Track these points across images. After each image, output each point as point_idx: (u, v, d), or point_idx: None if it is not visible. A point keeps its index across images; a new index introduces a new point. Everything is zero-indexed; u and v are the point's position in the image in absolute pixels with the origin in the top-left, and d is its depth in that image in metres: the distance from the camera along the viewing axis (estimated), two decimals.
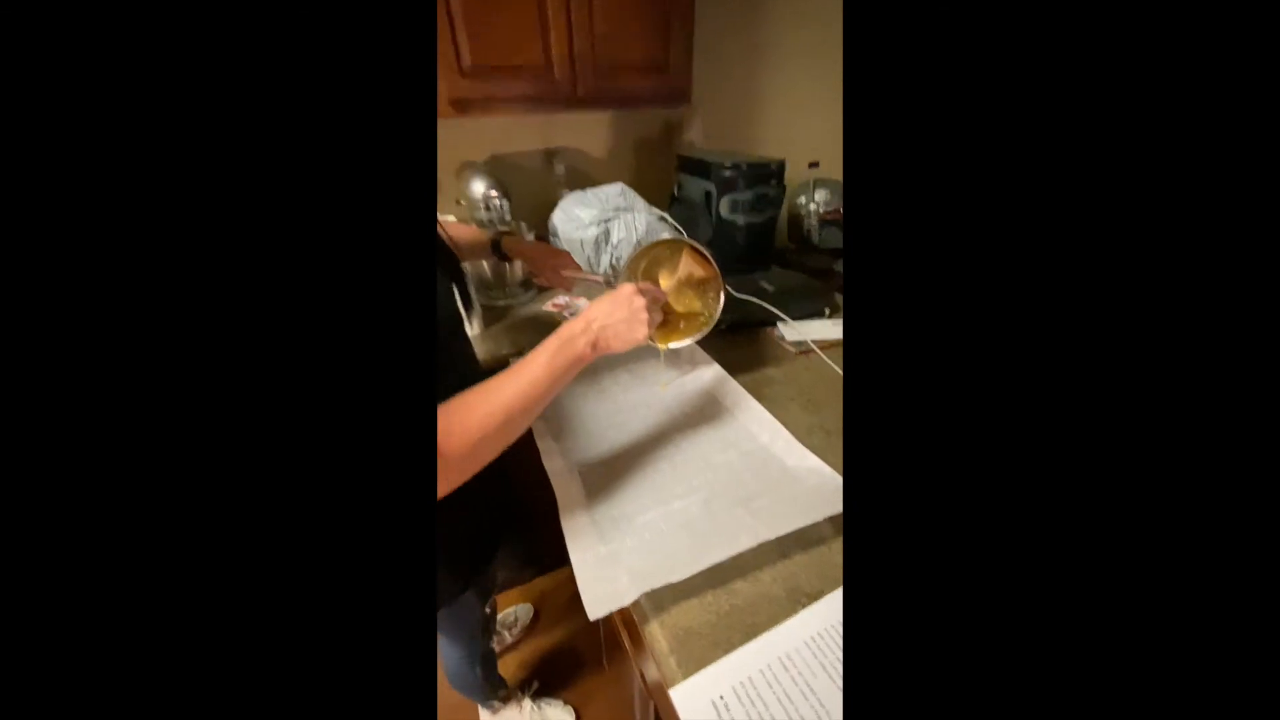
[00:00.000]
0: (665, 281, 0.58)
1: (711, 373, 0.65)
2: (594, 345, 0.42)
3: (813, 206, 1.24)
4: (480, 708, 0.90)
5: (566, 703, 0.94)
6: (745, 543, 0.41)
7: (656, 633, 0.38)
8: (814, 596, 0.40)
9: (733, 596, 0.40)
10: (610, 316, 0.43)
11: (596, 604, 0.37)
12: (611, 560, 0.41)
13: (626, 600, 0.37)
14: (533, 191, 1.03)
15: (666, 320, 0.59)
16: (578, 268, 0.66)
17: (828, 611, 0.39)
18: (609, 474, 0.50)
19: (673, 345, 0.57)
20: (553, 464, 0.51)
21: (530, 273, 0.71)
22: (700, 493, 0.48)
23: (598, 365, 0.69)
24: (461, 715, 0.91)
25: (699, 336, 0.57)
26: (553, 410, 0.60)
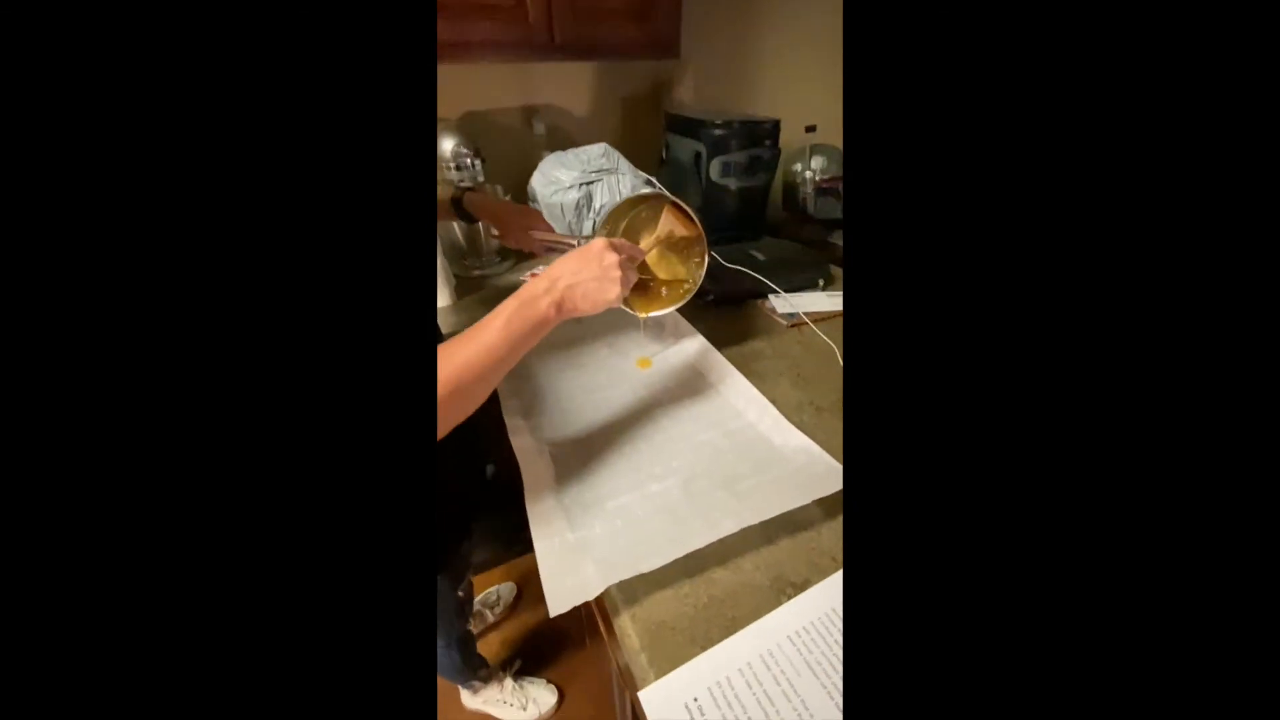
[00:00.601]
0: (645, 242, 0.53)
1: (696, 345, 0.61)
2: (559, 307, 0.38)
3: (809, 174, 1.18)
4: (460, 688, 0.88)
5: (550, 681, 0.93)
6: (727, 527, 0.37)
7: (627, 627, 0.35)
8: (800, 587, 0.37)
9: (712, 586, 0.37)
10: (578, 274, 0.38)
11: (559, 598, 0.33)
12: (579, 549, 0.37)
13: (590, 593, 0.34)
14: (510, 153, 0.96)
15: (647, 287, 0.54)
16: (549, 228, 0.61)
17: (815, 603, 0.35)
18: (582, 454, 0.46)
19: (653, 314, 0.53)
20: (520, 443, 0.46)
21: (496, 234, 0.65)
22: (680, 474, 0.44)
23: (573, 337, 0.64)
24: (441, 697, 0.89)
25: (681, 303, 0.53)
26: (523, 385, 0.55)
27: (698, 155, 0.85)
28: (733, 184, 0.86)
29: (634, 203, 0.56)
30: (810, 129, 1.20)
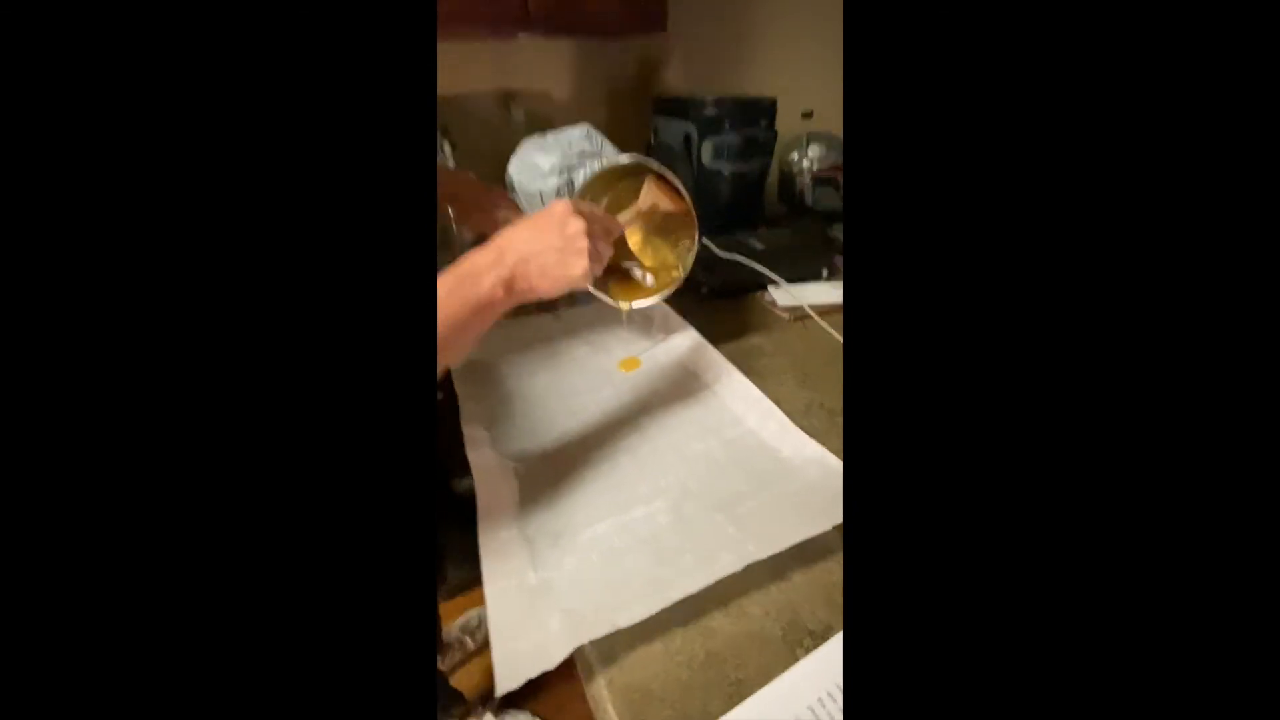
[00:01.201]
0: (624, 216, 0.46)
1: (688, 342, 0.54)
2: (509, 285, 0.30)
3: (805, 163, 1.11)
4: None
5: (535, 714, 0.84)
6: (726, 565, 0.30)
7: (602, 696, 0.27)
8: (820, 636, 0.29)
9: (710, 638, 0.29)
10: (533, 244, 0.31)
11: (511, 666, 0.26)
12: (542, 595, 0.30)
13: (552, 659, 0.26)
14: (485, 141, 0.89)
15: (630, 275, 0.47)
16: (516, 209, 0.53)
17: (840, 657, 0.28)
18: (553, 472, 0.39)
19: (638, 304, 0.46)
20: (479, 458, 0.39)
21: (455, 218, 0.57)
22: (670, 495, 0.36)
23: (549, 334, 0.57)
24: None
25: (669, 292, 0.45)
26: (487, 389, 0.48)
27: (688, 138, 0.79)
28: (726, 169, 0.79)
29: (614, 176, 0.48)
30: (807, 115, 1.13)
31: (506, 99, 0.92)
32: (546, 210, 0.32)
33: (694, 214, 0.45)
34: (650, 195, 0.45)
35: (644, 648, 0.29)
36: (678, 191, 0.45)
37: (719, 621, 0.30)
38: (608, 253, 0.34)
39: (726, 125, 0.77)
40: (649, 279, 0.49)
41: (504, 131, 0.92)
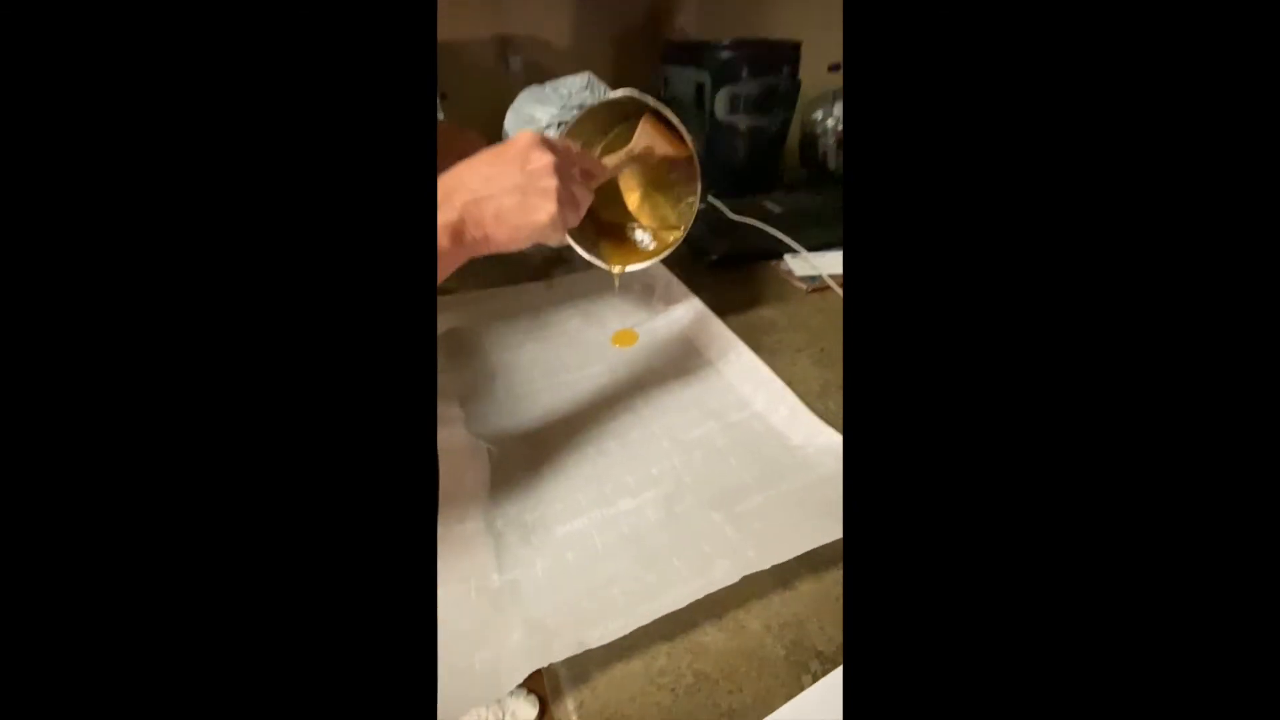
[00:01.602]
0: (611, 160, 0.39)
1: (690, 313, 0.48)
2: (456, 233, 0.25)
3: (830, 123, 1.02)
4: None
5: (531, 692, 0.84)
6: (721, 575, 0.25)
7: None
8: (830, 659, 0.25)
9: (700, 656, 0.25)
10: (489, 182, 0.25)
11: (462, 687, 0.22)
12: (505, 600, 0.25)
13: (510, 680, 0.22)
14: (480, 93, 0.82)
15: (622, 234, 0.42)
16: None
17: None
18: (531, 455, 0.34)
19: (631, 268, 0.40)
20: (449, 437, 0.35)
21: None
22: (661, 486, 0.32)
23: (536, 303, 0.52)
24: None
25: (666, 254, 0.40)
26: (465, 360, 0.43)
27: (700, 88, 0.71)
28: (742, 123, 0.71)
29: (607, 117, 0.42)
30: (835, 68, 1.03)
31: (503, 46, 0.85)
32: (508, 142, 0.27)
33: (697, 160, 0.39)
34: (645, 137, 0.39)
35: (621, 665, 0.25)
36: (679, 134, 0.38)
37: (711, 636, 0.26)
38: (585, 199, 0.28)
39: (744, 72, 0.69)
40: (648, 241, 0.43)
41: (501, 83, 0.85)
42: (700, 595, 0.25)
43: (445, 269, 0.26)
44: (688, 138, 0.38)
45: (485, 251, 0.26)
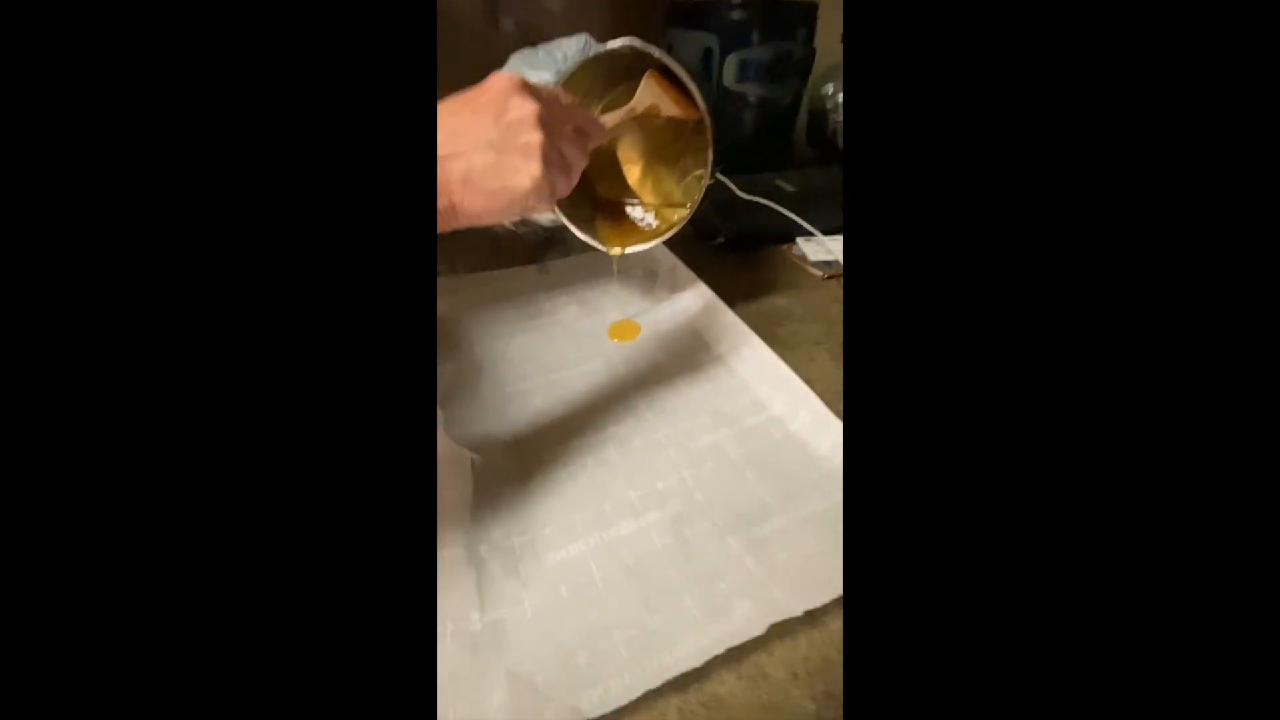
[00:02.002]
0: (610, 119, 0.34)
1: (698, 302, 0.44)
2: None
3: (841, 98, 0.96)
4: None
5: None
6: (744, 622, 0.22)
7: None
8: None
9: (715, 710, 0.21)
10: (458, 139, 0.20)
11: None
12: (488, 647, 0.22)
13: None
14: (468, 56, 0.75)
15: (620, 211, 0.37)
16: None
17: None
18: (520, 466, 0.30)
19: (631, 249, 0.36)
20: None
21: None
22: (669, 505, 0.28)
23: (528, 287, 0.47)
24: None
25: (670, 234, 0.35)
26: (448, 353, 0.39)
27: (707, 53, 0.65)
28: (753, 93, 0.66)
29: (604, 74, 0.37)
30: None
31: (493, 4, 0.78)
32: (480, 86, 0.22)
33: (709, 124, 0.34)
34: (649, 94, 0.34)
35: None
36: (688, 94, 0.33)
37: (729, 686, 0.22)
38: (578, 161, 0.23)
39: (755, 36, 0.63)
40: (650, 220, 0.38)
41: (491, 45, 0.78)
42: (720, 650, 0.21)
43: None
44: (698, 96, 0.33)
45: (454, 226, 0.21)
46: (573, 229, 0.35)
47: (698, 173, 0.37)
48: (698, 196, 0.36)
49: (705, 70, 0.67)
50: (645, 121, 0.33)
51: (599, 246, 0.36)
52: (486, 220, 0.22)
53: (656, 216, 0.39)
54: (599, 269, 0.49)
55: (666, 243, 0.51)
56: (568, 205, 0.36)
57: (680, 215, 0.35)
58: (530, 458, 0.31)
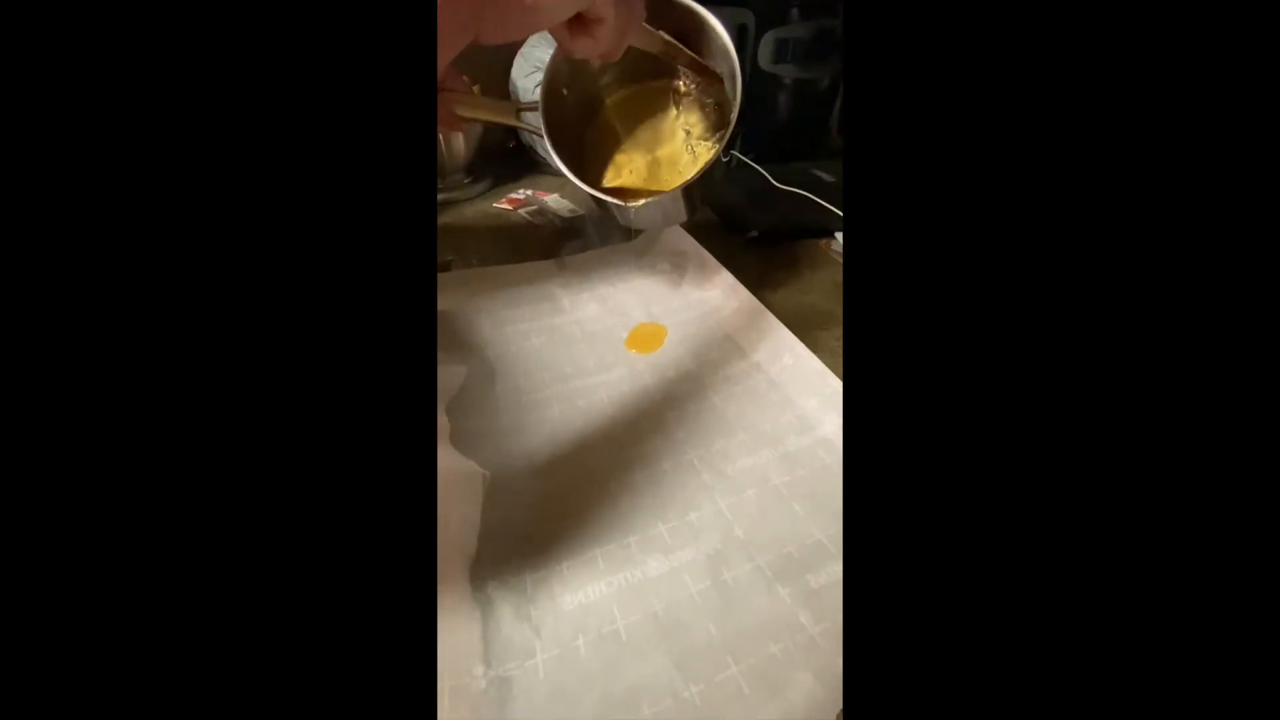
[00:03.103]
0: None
1: (730, 301, 0.40)
2: None
3: None
4: None
5: None
6: (802, 702, 0.18)
7: None
8: None
9: None
10: None
11: None
12: (490, 711, 0.18)
13: None
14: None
15: (610, 151, 0.35)
16: (472, 94, 0.38)
17: None
18: (533, 485, 0.27)
19: (647, 200, 0.35)
20: (440, 460, 0.27)
21: None
22: (703, 541, 0.24)
23: (547, 287, 0.43)
24: None
25: (696, 174, 0.34)
26: (456, 353, 0.35)
27: (742, 30, 0.60)
28: (790, 74, 0.61)
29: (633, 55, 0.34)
30: None
31: None
32: None
33: (734, 56, 0.35)
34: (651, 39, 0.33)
35: None
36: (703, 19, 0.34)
37: None
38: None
39: (793, 13, 0.58)
40: (635, 161, 0.37)
41: None
42: None
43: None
44: (722, 32, 0.33)
45: (467, 41, 0.19)
46: (584, 187, 0.35)
47: (712, 128, 0.36)
48: (715, 149, 0.35)
49: (739, 49, 0.62)
50: (663, 94, 0.33)
51: (616, 201, 0.35)
52: (513, 32, 0.19)
53: (654, 165, 0.38)
54: (620, 263, 0.46)
55: (693, 233, 0.47)
56: (560, 149, 0.35)
57: (713, 152, 0.35)
58: (547, 476, 0.27)
